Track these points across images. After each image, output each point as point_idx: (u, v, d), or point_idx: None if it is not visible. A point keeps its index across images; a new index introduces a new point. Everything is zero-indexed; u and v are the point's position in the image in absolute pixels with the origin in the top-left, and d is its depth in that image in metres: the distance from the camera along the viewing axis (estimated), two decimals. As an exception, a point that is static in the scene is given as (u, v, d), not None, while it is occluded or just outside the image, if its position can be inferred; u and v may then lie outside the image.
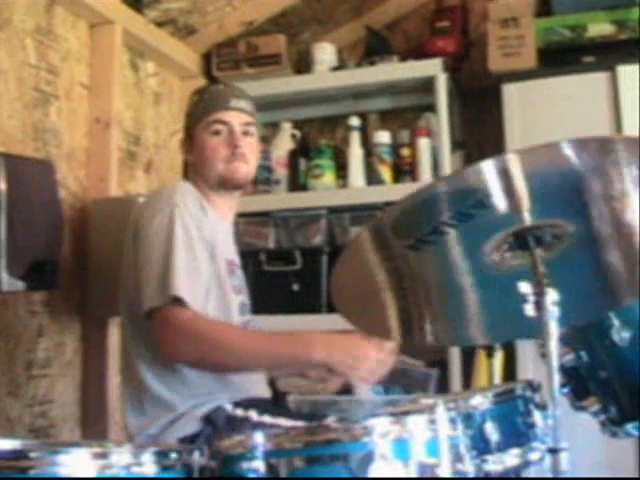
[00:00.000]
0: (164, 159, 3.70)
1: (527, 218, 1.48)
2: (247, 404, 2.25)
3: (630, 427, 1.78)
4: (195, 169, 2.47)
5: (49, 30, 2.99)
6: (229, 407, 2.23)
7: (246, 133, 2.43)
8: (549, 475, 1.40)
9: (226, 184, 2.42)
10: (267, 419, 2.21)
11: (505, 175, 1.36)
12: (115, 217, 3.01)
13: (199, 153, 2.44)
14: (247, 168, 2.44)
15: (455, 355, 3.37)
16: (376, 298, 1.65)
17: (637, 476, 3.00)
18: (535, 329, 1.46)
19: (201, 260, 2.24)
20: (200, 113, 2.45)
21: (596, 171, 1.42)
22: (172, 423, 2.24)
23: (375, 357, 2.05)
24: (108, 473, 1.31)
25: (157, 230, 2.22)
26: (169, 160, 3.72)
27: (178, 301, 2.11)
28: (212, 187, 2.43)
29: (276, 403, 2.51)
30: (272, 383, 2.59)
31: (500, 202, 1.42)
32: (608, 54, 3.35)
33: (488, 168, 1.35)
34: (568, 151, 1.35)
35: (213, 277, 2.31)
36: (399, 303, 1.67)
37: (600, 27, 3.35)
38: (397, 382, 3.46)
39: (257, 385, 2.44)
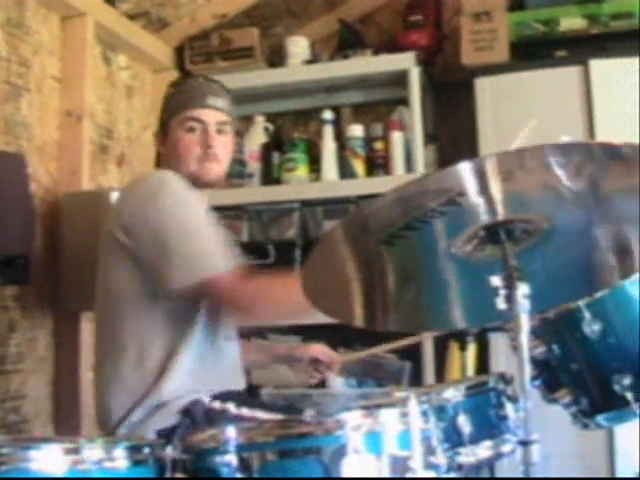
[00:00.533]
0: (137, 153, 3.68)
1: (500, 213, 1.49)
2: (224, 397, 2.25)
3: (601, 419, 1.80)
4: (167, 162, 2.46)
5: (20, 22, 2.97)
6: (207, 400, 2.23)
7: (220, 132, 2.43)
8: (521, 467, 1.41)
9: (197, 183, 2.42)
10: (245, 412, 2.22)
11: (482, 176, 1.37)
12: (87, 211, 3.00)
13: (172, 148, 2.43)
14: (219, 168, 2.44)
15: (428, 348, 3.38)
16: (345, 289, 1.65)
17: (607, 466, 3.02)
18: (507, 316, 1.46)
19: (211, 229, 2.27)
20: (176, 107, 2.44)
21: (574, 173, 1.42)
22: (150, 415, 2.23)
23: None
24: (80, 469, 1.31)
25: (170, 209, 2.22)
26: (142, 154, 3.70)
27: (208, 270, 2.17)
28: None
29: (250, 396, 2.52)
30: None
31: (474, 200, 1.42)
32: (580, 48, 3.38)
33: (465, 168, 1.35)
34: (550, 156, 1.36)
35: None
36: (366, 292, 1.67)
37: (572, 21, 3.36)
38: (370, 375, 3.47)
39: (234, 378, 2.44)
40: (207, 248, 2.20)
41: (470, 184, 1.37)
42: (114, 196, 2.94)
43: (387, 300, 1.74)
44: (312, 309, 2.01)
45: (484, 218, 1.50)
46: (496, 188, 1.39)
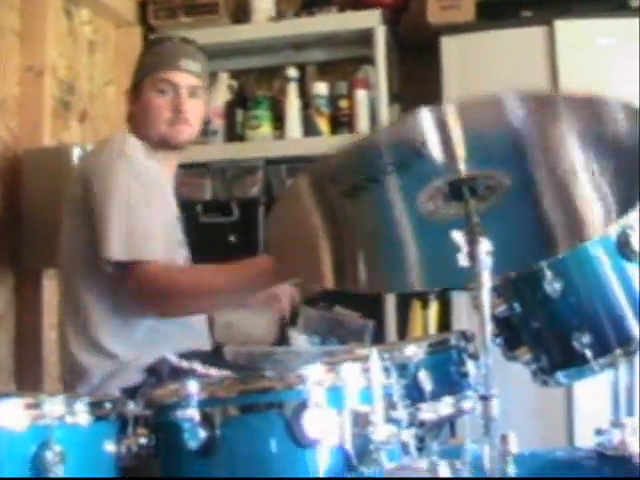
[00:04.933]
0: (99, 109, 3.64)
1: (462, 169, 1.49)
2: (190, 356, 2.26)
3: (560, 376, 1.82)
4: (137, 123, 2.45)
5: (-22, -25, 2.91)
6: (174, 358, 2.23)
7: (192, 95, 2.42)
8: (481, 422, 1.42)
9: (166, 145, 2.42)
10: (212, 372, 2.22)
11: (442, 126, 1.36)
12: (49, 167, 2.97)
13: (143, 109, 2.42)
14: (189, 131, 2.44)
15: (390, 306, 3.40)
16: (311, 245, 1.65)
17: (566, 423, 3.07)
18: (470, 278, 1.47)
19: (160, 212, 2.27)
20: (149, 68, 2.43)
21: (534, 124, 1.43)
22: (115, 373, 2.24)
23: None
24: (41, 423, 1.31)
25: (114, 183, 2.22)
26: (104, 110, 3.66)
27: (150, 255, 2.16)
28: (153, 145, 2.41)
29: (215, 355, 2.52)
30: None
31: (436, 152, 1.42)
32: (546, 9, 3.38)
33: (426, 118, 1.35)
34: (507, 104, 1.36)
35: (169, 229, 2.32)
36: (333, 250, 1.67)
37: (538, -19, 3.37)
38: (333, 333, 3.48)
39: (199, 337, 2.44)
40: (148, 231, 2.20)
41: (430, 133, 1.37)
42: (76, 152, 2.92)
43: (355, 259, 1.75)
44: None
45: (447, 173, 1.50)
46: (457, 138, 1.39)
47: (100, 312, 2.27)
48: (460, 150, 1.44)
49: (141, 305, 2.22)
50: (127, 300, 2.22)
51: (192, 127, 2.44)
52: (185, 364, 2.23)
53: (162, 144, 2.41)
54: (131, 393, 2.04)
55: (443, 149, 1.42)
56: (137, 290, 2.18)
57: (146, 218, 2.21)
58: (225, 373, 2.21)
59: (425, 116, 1.35)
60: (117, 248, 2.16)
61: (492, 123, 1.40)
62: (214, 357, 2.45)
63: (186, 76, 2.40)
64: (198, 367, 2.22)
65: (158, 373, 2.19)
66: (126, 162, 2.24)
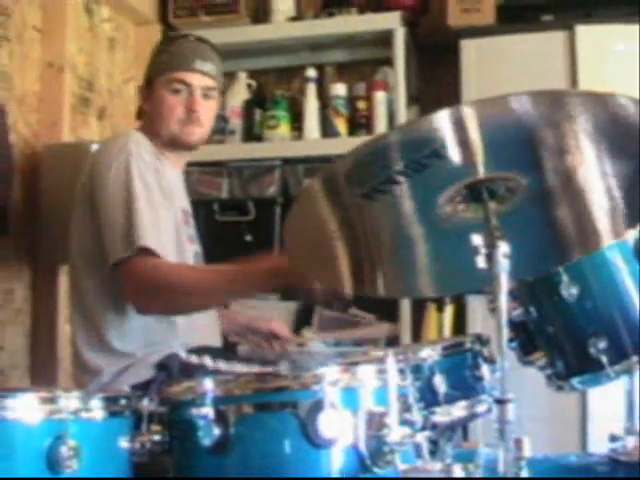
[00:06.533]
0: (118, 106, 3.65)
1: (481, 170, 1.49)
2: (201, 352, 2.26)
3: (575, 381, 1.81)
4: (149, 120, 2.46)
5: (0, -29, 2.93)
6: (183, 354, 2.24)
7: (206, 96, 2.42)
8: (496, 426, 1.42)
9: (177, 144, 2.44)
10: (222, 366, 2.23)
11: (459, 126, 1.36)
12: (67, 163, 2.98)
13: (156, 107, 2.43)
14: (201, 132, 2.45)
15: (406, 309, 3.40)
16: (328, 248, 1.65)
17: (579, 430, 3.06)
18: (485, 282, 1.47)
19: (161, 209, 2.25)
20: (163, 67, 2.43)
21: (549, 124, 1.42)
22: (125, 370, 2.24)
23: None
24: (56, 417, 1.31)
25: (115, 180, 2.22)
26: (123, 107, 3.67)
27: (144, 251, 2.13)
28: (164, 143, 2.43)
29: (227, 352, 2.52)
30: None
31: (454, 153, 1.42)
32: (567, 13, 3.37)
33: (443, 118, 1.35)
34: (522, 104, 1.36)
35: (172, 224, 2.31)
36: (351, 253, 1.67)
37: (560, -14, 3.36)
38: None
39: (209, 334, 2.44)
40: (148, 224, 2.18)
41: (448, 134, 1.37)
42: (94, 149, 2.92)
43: (373, 263, 1.74)
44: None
45: (465, 176, 1.50)
46: (476, 139, 1.39)
47: (106, 310, 2.28)
48: (478, 151, 1.44)
49: (136, 303, 2.19)
50: (126, 298, 2.21)
51: (204, 128, 2.45)
52: (195, 359, 2.23)
53: (173, 143, 2.42)
54: (141, 389, 2.05)
55: (461, 150, 1.42)
56: (131, 286, 2.17)
57: (145, 210, 2.18)
58: (236, 367, 2.21)
59: (443, 117, 1.35)
60: (117, 247, 2.16)
61: (508, 123, 1.40)
62: (226, 353, 2.45)
63: (200, 77, 2.41)
64: (208, 362, 2.23)
65: (168, 369, 2.19)
66: (127, 160, 2.24)
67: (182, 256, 2.36)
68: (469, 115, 1.35)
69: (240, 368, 2.21)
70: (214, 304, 2.38)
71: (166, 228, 2.26)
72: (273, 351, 2.70)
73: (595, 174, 1.58)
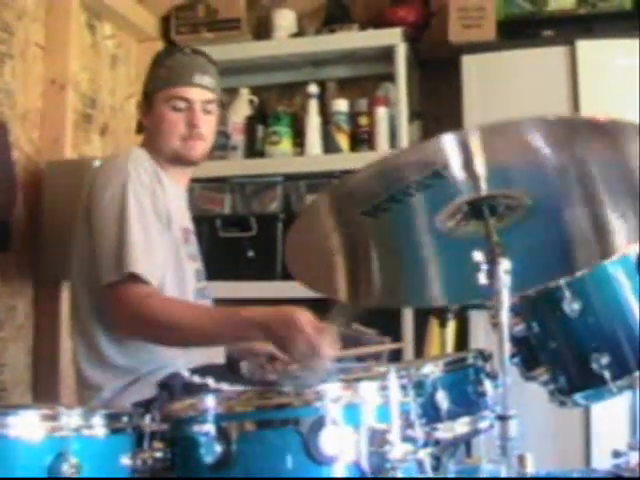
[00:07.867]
0: (120, 123, 3.66)
1: (483, 188, 1.49)
2: (204, 371, 2.25)
3: (578, 397, 1.81)
4: (150, 136, 2.45)
5: (4, -13, 2.94)
6: (186, 373, 2.23)
7: (206, 109, 2.41)
8: (498, 442, 1.42)
9: (180, 160, 2.42)
10: (225, 387, 2.21)
11: (465, 149, 1.37)
12: (69, 180, 2.98)
13: (157, 124, 2.41)
14: (204, 146, 2.44)
15: (408, 324, 3.39)
16: (328, 261, 1.65)
17: (582, 445, 3.05)
18: (488, 294, 1.47)
19: (155, 233, 2.24)
20: (161, 82, 2.41)
21: (557, 147, 1.42)
22: (127, 387, 2.24)
23: (309, 328, 2.00)
24: (57, 435, 1.31)
25: (110, 203, 2.21)
26: (125, 124, 3.67)
27: (134, 277, 2.12)
28: (166, 159, 2.41)
29: (230, 369, 2.51)
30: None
31: (458, 174, 1.42)
32: (567, 29, 3.37)
33: (449, 141, 1.35)
34: (532, 129, 1.36)
35: (169, 246, 2.30)
36: (349, 266, 1.68)
37: (560, 1, 3.36)
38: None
39: (213, 351, 2.44)
40: (140, 248, 2.17)
41: (453, 157, 1.37)
42: (95, 166, 2.93)
43: (371, 274, 1.75)
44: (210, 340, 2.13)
45: (467, 193, 1.50)
46: (479, 162, 1.39)
47: (105, 327, 2.27)
48: (481, 172, 1.44)
49: (120, 327, 2.19)
50: (113, 321, 2.20)
51: (206, 142, 2.44)
52: (197, 379, 2.22)
53: (175, 159, 2.41)
54: (143, 408, 2.05)
55: (465, 171, 1.42)
56: (118, 310, 2.16)
57: (139, 235, 2.18)
58: (238, 388, 2.20)
59: (448, 140, 1.35)
60: (108, 269, 2.16)
61: (514, 146, 1.40)
62: (228, 372, 2.44)
63: (200, 91, 2.40)
64: (210, 382, 2.22)
65: (171, 388, 2.19)
66: (124, 183, 2.22)
67: (181, 275, 2.35)
68: (473, 139, 1.35)
69: (245, 388, 2.20)
70: (201, 344, 2.31)
71: (160, 252, 2.24)
72: (275, 372, 2.69)
73: (598, 191, 1.58)
